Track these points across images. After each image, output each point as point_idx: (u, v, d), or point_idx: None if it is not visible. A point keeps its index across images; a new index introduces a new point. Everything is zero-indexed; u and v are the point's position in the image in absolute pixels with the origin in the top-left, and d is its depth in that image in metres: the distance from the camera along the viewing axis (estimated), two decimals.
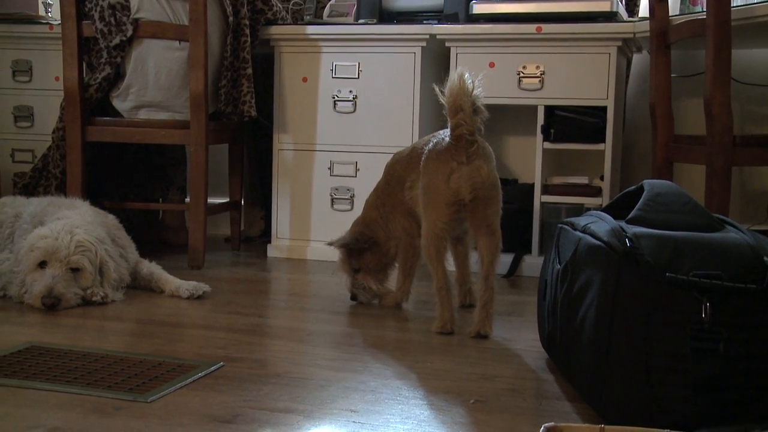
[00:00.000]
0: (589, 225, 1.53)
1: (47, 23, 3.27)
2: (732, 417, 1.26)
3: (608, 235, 1.40)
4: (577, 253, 1.52)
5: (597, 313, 1.37)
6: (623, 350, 1.31)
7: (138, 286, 2.43)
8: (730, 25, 2.13)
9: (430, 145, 2.03)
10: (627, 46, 2.86)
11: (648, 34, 2.55)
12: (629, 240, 1.35)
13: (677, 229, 1.38)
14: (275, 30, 3.06)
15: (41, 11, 3.63)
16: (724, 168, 2.15)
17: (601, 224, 1.48)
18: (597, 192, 2.81)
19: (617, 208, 1.61)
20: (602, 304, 1.36)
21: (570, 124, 2.78)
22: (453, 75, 1.90)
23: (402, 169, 2.19)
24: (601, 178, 2.81)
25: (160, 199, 3.39)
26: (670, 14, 2.51)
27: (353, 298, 2.32)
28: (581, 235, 1.53)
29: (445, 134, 2.01)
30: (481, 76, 1.92)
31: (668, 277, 1.28)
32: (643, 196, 1.50)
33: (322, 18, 3.30)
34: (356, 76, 3.00)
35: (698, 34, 2.26)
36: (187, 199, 3.23)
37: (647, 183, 1.54)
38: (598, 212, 1.61)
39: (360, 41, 2.98)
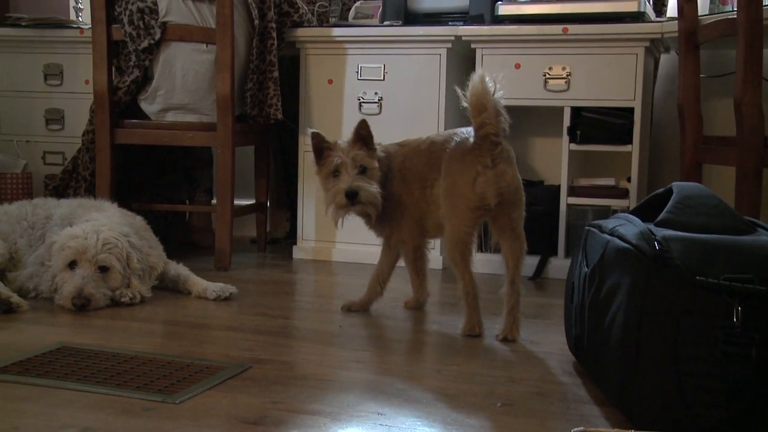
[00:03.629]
0: (617, 228, 1.52)
1: (78, 27, 3.32)
2: (765, 423, 1.24)
3: (637, 238, 1.39)
4: (605, 256, 1.51)
5: (625, 317, 1.36)
6: (653, 354, 1.30)
7: (165, 288, 2.45)
8: (762, 24, 2.10)
9: (453, 144, 2.01)
10: (655, 47, 2.84)
11: (676, 34, 2.52)
12: (658, 243, 1.33)
13: (707, 232, 1.36)
14: (301, 32, 3.07)
15: (72, 16, 3.69)
16: (755, 169, 2.12)
17: (630, 227, 1.47)
18: (624, 194, 2.78)
19: (645, 211, 1.60)
20: (631, 307, 1.35)
21: (597, 125, 2.76)
22: (474, 77, 1.89)
23: (422, 166, 2.10)
24: (628, 180, 2.79)
25: (187, 201, 3.42)
26: (699, 14, 2.48)
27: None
28: (609, 237, 1.52)
29: (468, 133, 1.99)
30: (502, 76, 1.91)
31: (698, 280, 1.26)
32: (672, 198, 1.48)
33: (347, 20, 3.31)
34: (381, 78, 3.00)
35: (728, 33, 2.24)
36: (214, 201, 3.25)
37: (676, 185, 1.52)
38: (626, 215, 1.60)
39: (385, 43, 2.99)
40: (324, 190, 2.13)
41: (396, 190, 2.14)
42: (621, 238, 1.46)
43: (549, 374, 1.70)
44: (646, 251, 1.34)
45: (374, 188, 2.07)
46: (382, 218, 2.16)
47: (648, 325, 1.31)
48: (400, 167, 2.15)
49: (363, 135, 2.09)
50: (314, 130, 2.11)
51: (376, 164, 2.10)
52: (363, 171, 2.08)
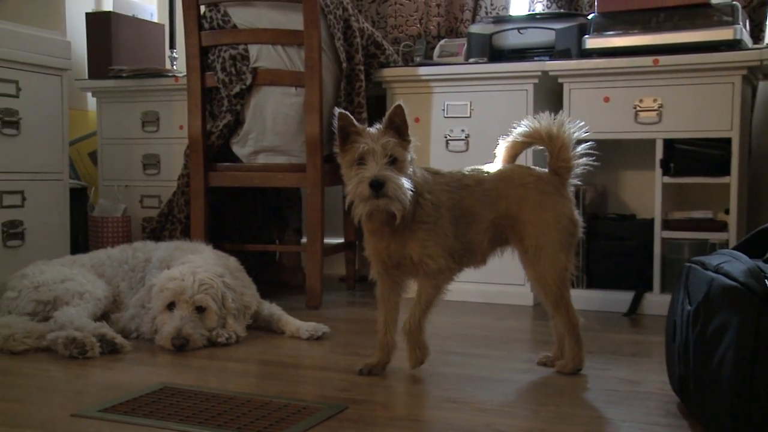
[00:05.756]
0: (722, 264, 1.46)
1: (173, 76, 3.46)
2: None
3: (744, 275, 1.34)
4: (710, 295, 1.45)
5: (736, 358, 1.31)
6: None
7: (259, 327, 2.49)
8: None
9: (532, 178, 1.97)
10: (752, 74, 2.75)
11: None
12: None
13: None
14: (387, 72, 3.12)
15: (168, 65, 3.85)
16: None
17: (736, 264, 1.41)
18: (722, 227, 2.68)
19: (750, 247, 1.54)
20: (742, 348, 1.29)
21: (691, 157, 2.69)
22: (561, 119, 1.98)
23: (474, 201, 1.93)
24: (726, 212, 2.69)
25: (277, 241, 3.49)
26: None
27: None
28: (713, 275, 1.47)
29: (538, 169, 2.01)
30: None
31: None
32: None
33: (432, 59, 3.34)
34: (468, 115, 3.01)
35: None
36: (304, 240, 3.31)
37: None
38: (731, 251, 1.54)
39: (471, 80, 3.00)
40: (346, 179, 1.84)
41: (435, 217, 1.88)
42: (727, 275, 1.41)
43: (652, 416, 1.64)
44: (756, 289, 1.29)
45: (404, 182, 1.77)
46: (403, 234, 1.87)
47: (762, 366, 1.25)
48: (448, 197, 1.91)
49: (397, 123, 1.81)
50: (342, 111, 1.82)
51: (409, 157, 1.82)
52: (393, 162, 1.78)
